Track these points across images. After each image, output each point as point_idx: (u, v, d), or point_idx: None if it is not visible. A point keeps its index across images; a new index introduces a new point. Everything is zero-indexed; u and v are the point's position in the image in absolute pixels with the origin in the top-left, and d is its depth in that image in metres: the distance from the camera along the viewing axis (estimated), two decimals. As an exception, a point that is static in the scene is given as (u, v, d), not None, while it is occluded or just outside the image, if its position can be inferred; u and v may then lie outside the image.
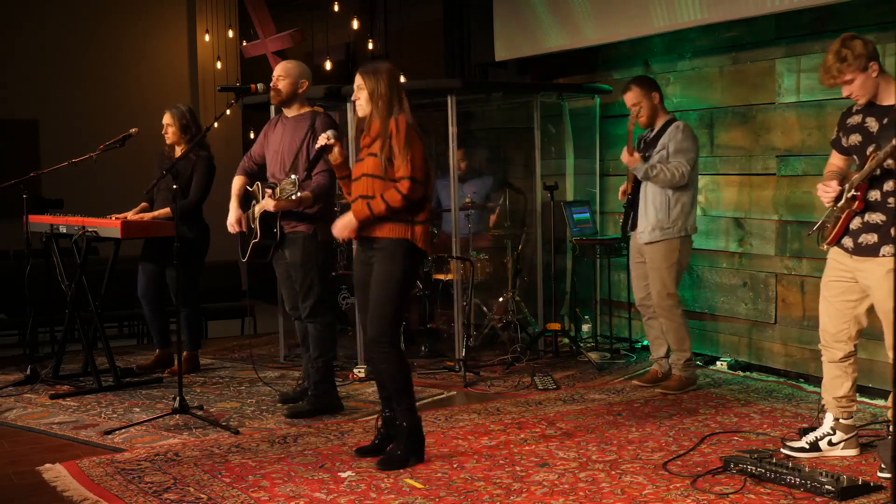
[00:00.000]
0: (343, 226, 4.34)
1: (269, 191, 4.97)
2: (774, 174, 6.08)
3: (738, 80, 6.30)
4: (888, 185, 4.02)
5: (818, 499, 3.79)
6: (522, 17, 7.55)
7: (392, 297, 4.23)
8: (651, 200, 5.57)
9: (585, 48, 7.22)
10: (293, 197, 4.81)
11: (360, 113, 4.31)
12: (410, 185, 4.16)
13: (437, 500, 3.87)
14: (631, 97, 5.68)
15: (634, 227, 5.72)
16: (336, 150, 4.35)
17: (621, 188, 5.85)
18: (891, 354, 4.13)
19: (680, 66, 6.71)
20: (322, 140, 4.35)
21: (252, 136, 11.30)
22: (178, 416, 5.07)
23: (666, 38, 6.70)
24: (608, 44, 7.07)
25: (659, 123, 5.69)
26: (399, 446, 4.29)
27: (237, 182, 5.32)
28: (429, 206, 4.31)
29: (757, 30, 6.09)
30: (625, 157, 5.58)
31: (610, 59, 7.33)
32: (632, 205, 5.72)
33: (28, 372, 6.00)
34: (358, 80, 4.29)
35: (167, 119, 6.24)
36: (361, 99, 4.27)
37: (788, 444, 4.42)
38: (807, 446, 4.34)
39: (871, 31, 5.29)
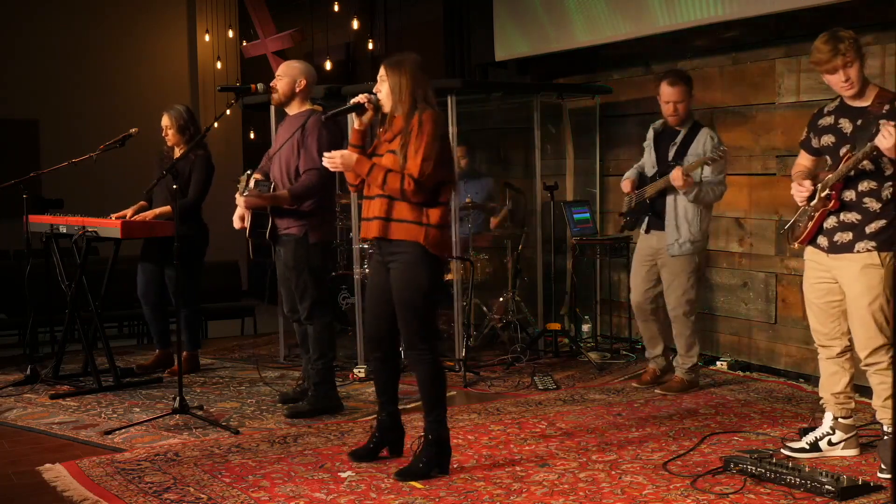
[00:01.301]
0: (342, 156, 4.13)
1: (239, 187, 5.00)
2: (774, 174, 6.08)
3: (738, 80, 6.30)
4: (863, 186, 4.08)
5: (818, 499, 3.79)
6: (522, 17, 7.55)
7: (417, 304, 4.06)
8: (683, 214, 5.49)
9: (585, 48, 7.22)
10: (244, 194, 4.90)
11: (384, 108, 4.14)
12: (415, 186, 3.98)
13: (437, 500, 3.87)
14: (673, 93, 5.48)
15: (650, 229, 5.67)
16: (366, 116, 4.16)
17: (630, 186, 5.73)
18: (862, 354, 4.14)
19: (680, 66, 6.70)
20: (361, 98, 4.15)
21: (252, 136, 11.31)
22: (178, 416, 5.06)
23: (666, 38, 6.69)
24: (608, 44, 7.07)
25: (686, 124, 5.58)
26: (422, 458, 4.13)
27: (253, 180, 5.33)
28: (443, 209, 4.10)
29: (757, 30, 6.09)
30: (678, 181, 5.35)
31: (610, 59, 7.33)
32: (649, 208, 5.64)
33: (28, 372, 6.00)
34: (381, 71, 4.13)
35: (165, 121, 6.24)
36: (382, 92, 4.11)
37: (788, 444, 4.42)
38: (807, 447, 4.34)
39: (871, 31, 5.30)
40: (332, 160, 4.19)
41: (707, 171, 5.48)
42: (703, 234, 5.58)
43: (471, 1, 8.38)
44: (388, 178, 4.00)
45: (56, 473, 4.28)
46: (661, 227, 5.59)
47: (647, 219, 5.67)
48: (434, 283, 4.14)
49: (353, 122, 4.25)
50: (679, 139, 5.57)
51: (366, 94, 4.17)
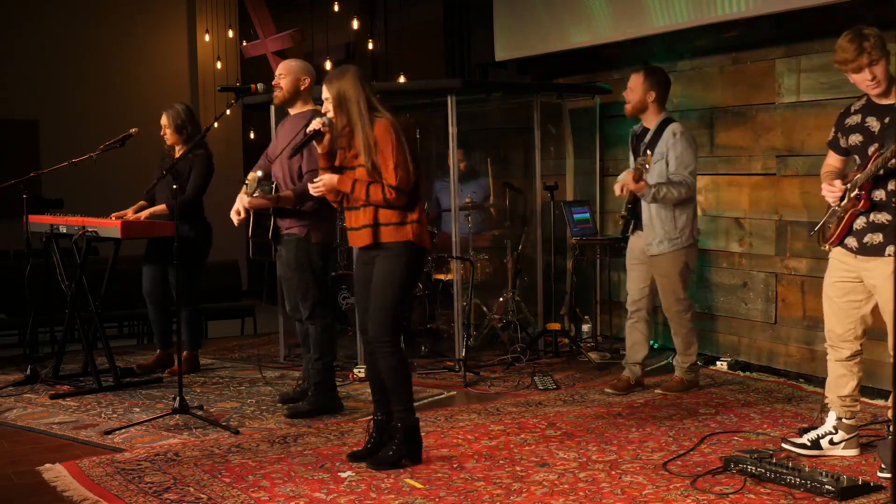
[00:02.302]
0: (324, 183, 4.29)
1: (244, 187, 5.00)
2: (774, 174, 6.08)
3: (738, 80, 6.30)
4: (893, 185, 4.01)
5: (818, 499, 3.79)
6: (522, 17, 7.55)
7: (393, 297, 4.21)
8: (656, 213, 5.44)
9: (585, 48, 7.22)
10: (255, 194, 4.92)
11: (337, 123, 4.24)
12: (396, 195, 4.14)
13: (437, 500, 3.87)
14: (631, 81, 5.53)
15: (635, 229, 5.64)
16: (326, 138, 4.27)
17: (618, 186, 5.73)
18: (893, 354, 4.13)
19: (680, 66, 6.71)
20: (315, 124, 4.26)
21: (252, 135, 11.31)
22: (178, 416, 5.07)
23: (666, 38, 6.69)
24: (608, 43, 7.07)
25: (652, 122, 5.52)
26: (391, 447, 4.26)
27: (250, 177, 5.33)
28: (420, 205, 4.28)
29: (757, 30, 6.09)
30: (631, 185, 5.33)
31: (610, 59, 7.33)
32: (633, 210, 5.61)
33: (28, 372, 6.00)
34: (324, 91, 4.25)
35: (163, 120, 6.25)
36: (331, 111, 4.22)
37: (789, 440, 4.42)
38: (808, 443, 4.34)
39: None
40: (317, 188, 4.34)
41: (671, 167, 5.39)
42: (684, 232, 5.46)
43: (471, 1, 8.38)
44: (370, 190, 4.18)
45: (56, 473, 4.28)
46: (642, 227, 5.57)
47: (632, 220, 5.65)
48: (413, 274, 4.32)
49: (316, 147, 4.35)
50: (648, 138, 5.53)
51: (319, 119, 4.28)
